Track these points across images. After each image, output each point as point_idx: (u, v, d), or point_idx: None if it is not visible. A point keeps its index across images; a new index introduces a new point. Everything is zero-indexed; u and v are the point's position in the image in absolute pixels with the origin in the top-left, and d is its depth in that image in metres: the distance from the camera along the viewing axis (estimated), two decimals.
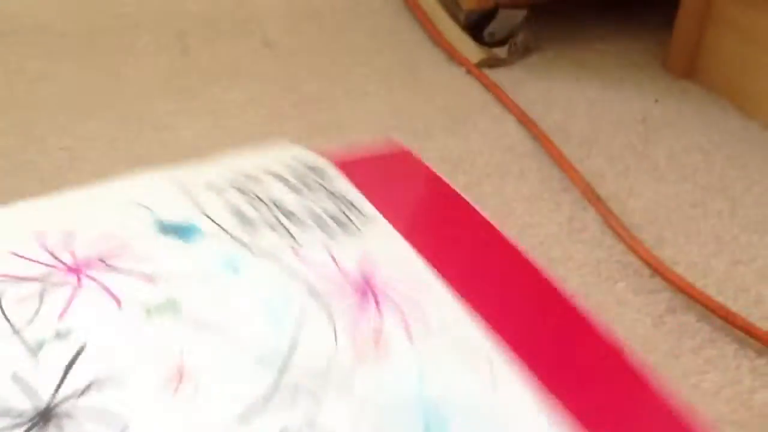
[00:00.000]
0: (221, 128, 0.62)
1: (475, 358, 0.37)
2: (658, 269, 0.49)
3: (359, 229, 0.44)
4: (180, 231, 0.44)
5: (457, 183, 0.56)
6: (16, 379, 0.37)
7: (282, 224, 0.45)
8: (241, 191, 0.48)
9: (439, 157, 0.60)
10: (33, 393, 0.36)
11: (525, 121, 0.63)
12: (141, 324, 0.39)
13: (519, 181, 0.58)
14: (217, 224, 0.44)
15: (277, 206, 0.46)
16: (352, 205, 0.46)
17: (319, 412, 0.35)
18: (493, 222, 0.44)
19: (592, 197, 0.55)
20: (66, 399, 0.36)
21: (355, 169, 0.50)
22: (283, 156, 0.50)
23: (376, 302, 0.40)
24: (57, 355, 0.38)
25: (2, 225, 0.46)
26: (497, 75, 0.70)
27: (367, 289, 0.41)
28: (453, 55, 0.72)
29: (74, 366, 0.37)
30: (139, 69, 0.70)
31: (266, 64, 0.71)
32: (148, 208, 0.46)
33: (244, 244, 0.43)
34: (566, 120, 0.65)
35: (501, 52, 0.72)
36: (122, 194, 0.47)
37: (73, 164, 0.57)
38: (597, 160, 0.60)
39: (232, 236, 0.44)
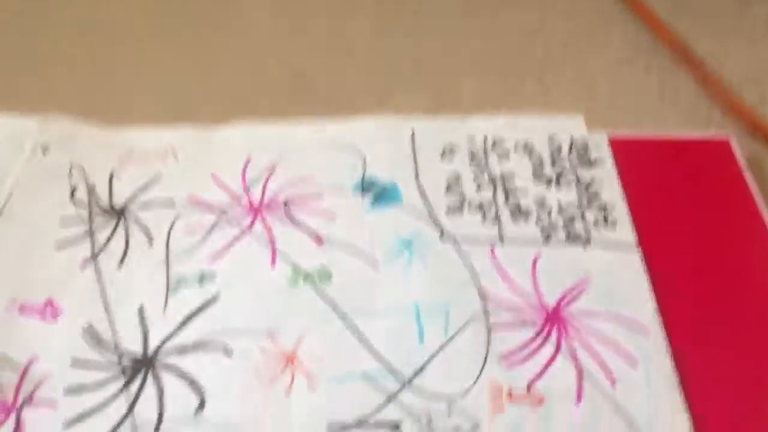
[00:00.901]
0: None
1: None
2: (762, 129, 0.47)
3: (589, 241, 0.40)
4: (378, 192, 0.43)
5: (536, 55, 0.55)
6: (141, 313, 0.38)
7: (497, 211, 0.42)
8: (475, 161, 0.45)
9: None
10: (146, 336, 0.37)
11: None
12: (281, 288, 0.39)
13: (604, 46, 0.55)
14: (421, 193, 0.43)
15: (505, 188, 0.44)
16: (602, 206, 0.42)
17: None
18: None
19: (688, 57, 0.52)
20: (169, 351, 0.36)
21: (642, 154, 0.45)
22: (553, 128, 0.46)
23: (557, 343, 0.37)
24: (186, 301, 0.38)
25: (219, 143, 0.45)
26: None
27: (553, 322, 0.38)
28: None
29: (194, 319, 0.38)
30: None
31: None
32: (362, 154, 0.44)
33: (436, 224, 0.42)
34: None
35: None
36: (344, 133, 0.46)
37: None
38: (688, 20, 0.56)
39: (428, 211, 0.42)
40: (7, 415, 0.34)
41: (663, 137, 0.46)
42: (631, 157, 0.45)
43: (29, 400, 0.34)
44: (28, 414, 0.34)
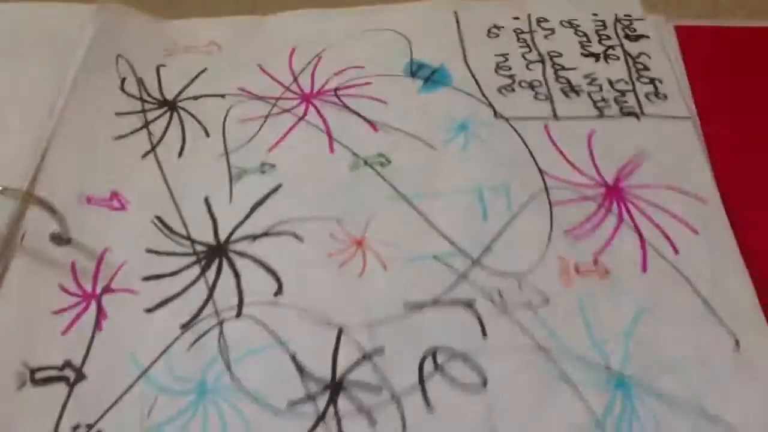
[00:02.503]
0: None
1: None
2: None
3: (643, 113, 0.41)
4: (427, 75, 0.43)
5: None
6: (208, 205, 0.39)
7: (548, 89, 0.42)
8: (522, 40, 0.45)
9: None
10: (215, 225, 0.38)
11: None
12: (343, 174, 0.39)
13: None
14: (471, 74, 0.43)
15: (555, 65, 0.44)
16: (651, 80, 0.42)
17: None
18: None
19: None
20: (240, 239, 0.38)
21: (707, 41, 0.44)
22: (601, 6, 0.46)
23: (619, 215, 0.37)
24: (250, 190, 0.39)
25: (264, 33, 0.45)
26: None
27: (613, 195, 0.38)
28: None
29: (261, 207, 0.38)
30: None
31: None
32: (408, 39, 0.44)
33: (488, 104, 0.42)
34: None
35: None
36: (389, 19, 0.45)
37: None
38: None
39: (480, 91, 0.42)
40: (88, 301, 0.35)
41: (727, 25, 0.45)
42: (696, 44, 0.44)
43: (107, 288, 0.35)
44: (108, 300, 0.35)
